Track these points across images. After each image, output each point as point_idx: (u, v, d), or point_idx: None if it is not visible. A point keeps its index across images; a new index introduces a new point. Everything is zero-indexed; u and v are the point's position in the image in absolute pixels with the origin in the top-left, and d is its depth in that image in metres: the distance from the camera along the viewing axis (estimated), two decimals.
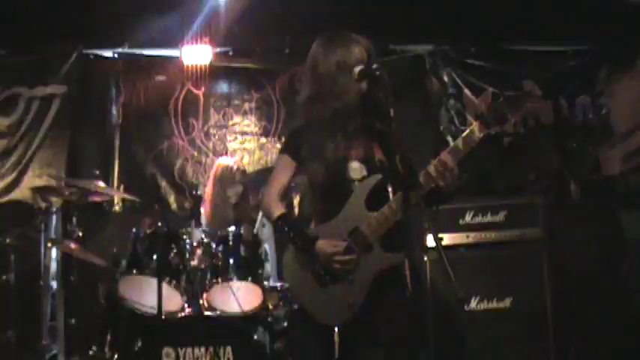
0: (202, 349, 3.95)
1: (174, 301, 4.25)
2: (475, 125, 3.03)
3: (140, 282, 4.30)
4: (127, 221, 5.43)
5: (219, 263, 4.36)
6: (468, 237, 4.76)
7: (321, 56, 3.14)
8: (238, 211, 4.95)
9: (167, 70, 6.05)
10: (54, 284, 5.34)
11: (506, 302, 4.66)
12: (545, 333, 4.58)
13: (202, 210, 5.03)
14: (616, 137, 5.42)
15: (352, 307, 2.99)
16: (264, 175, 3.51)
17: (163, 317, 3.95)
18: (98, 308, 4.51)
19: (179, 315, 4.23)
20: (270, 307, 4.39)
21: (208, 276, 4.33)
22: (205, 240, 4.40)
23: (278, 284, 4.49)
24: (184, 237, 4.41)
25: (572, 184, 5.48)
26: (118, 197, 5.81)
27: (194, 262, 4.35)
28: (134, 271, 4.34)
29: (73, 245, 4.64)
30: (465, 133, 3.03)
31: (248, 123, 6.13)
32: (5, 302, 4.91)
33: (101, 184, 4.99)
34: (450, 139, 5.91)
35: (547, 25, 5.78)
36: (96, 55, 6.02)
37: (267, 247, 4.70)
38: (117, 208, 5.83)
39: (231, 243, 4.41)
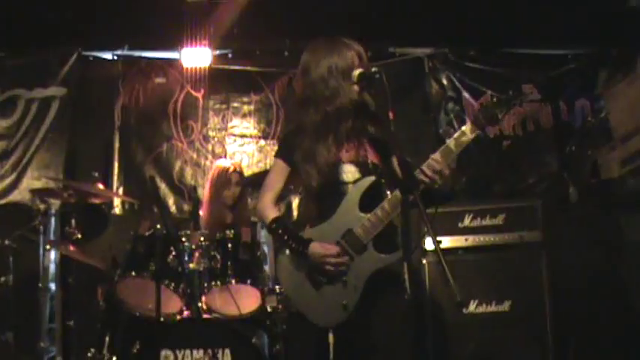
0: (201, 352, 3.95)
1: (172, 303, 4.25)
2: (467, 126, 3.05)
3: (139, 284, 4.30)
4: (125, 223, 5.44)
5: (218, 266, 4.36)
6: (466, 240, 4.76)
7: (312, 61, 3.19)
8: (235, 213, 4.95)
9: (166, 73, 6.06)
10: (52, 286, 5.34)
11: (505, 305, 4.66)
12: (544, 336, 4.57)
13: (201, 212, 5.02)
14: (615, 140, 5.42)
15: (346, 308, 3.02)
16: (262, 177, 3.52)
17: (162, 320, 3.94)
18: (97, 310, 4.50)
19: (178, 317, 4.22)
20: (269, 309, 4.38)
21: (207, 278, 4.32)
22: (204, 242, 4.40)
23: (277, 287, 4.49)
24: (183, 239, 4.41)
25: (571, 187, 5.48)
26: (117, 199, 5.80)
27: (193, 265, 4.34)
28: (133, 274, 4.34)
29: (71, 247, 4.64)
30: (456, 134, 3.07)
31: (247, 125, 6.13)
32: (4, 304, 4.91)
33: (100, 186, 5.00)
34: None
35: (546, 28, 5.79)
36: (95, 57, 6.03)
37: (266, 249, 4.70)
38: (116, 210, 5.83)
39: (229, 246, 4.41)
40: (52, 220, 5.47)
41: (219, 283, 4.31)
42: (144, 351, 3.98)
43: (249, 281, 4.36)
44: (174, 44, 5.87)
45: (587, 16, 5.58)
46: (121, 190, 5.85)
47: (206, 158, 6.01)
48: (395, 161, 3.08)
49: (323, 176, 3.10)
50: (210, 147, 6.06)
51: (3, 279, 4.87)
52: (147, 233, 4.44)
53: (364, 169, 3.13)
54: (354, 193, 3.09)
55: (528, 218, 4.76)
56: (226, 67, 6.11)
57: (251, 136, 6.12)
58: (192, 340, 3.97)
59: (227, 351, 3.96)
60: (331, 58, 3.15)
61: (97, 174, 5.32)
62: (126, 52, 6.00)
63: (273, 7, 5.40)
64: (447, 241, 4.73)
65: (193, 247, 4.40)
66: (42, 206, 5.45)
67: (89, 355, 4.37)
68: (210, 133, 6.08)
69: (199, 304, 4.23)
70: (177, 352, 3.93)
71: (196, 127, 6.07)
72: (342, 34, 3.32)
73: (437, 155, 3.03)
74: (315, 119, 3.15)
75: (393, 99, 2.97)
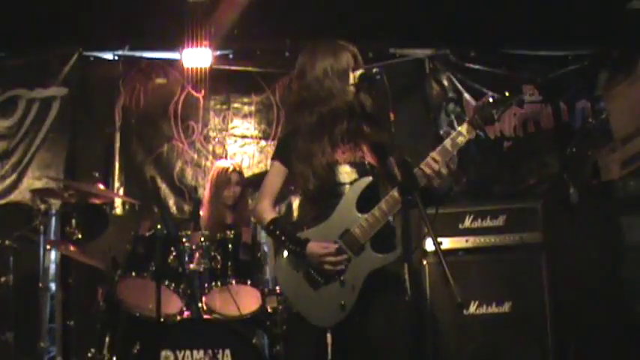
0: (201, 352, 3.95)
1: (173, 303, 4.26)
2: (463, 126, 3.07)
3: (139, 285, 4.30)
4: (126, 224, 5.44)
5: (219, 266, 4.36)
6: (467, 241, 4.76)
7: (308, 64, 3.23)
8: (236, 214, 4.95)
9: (167, 73, 6.05)
10: (53, 286, 5.35)
11: (506, 307, 4.66)
12: (544, 337, 4.57)
13: (201, 213, 5.02)
14: (616, 141, 5.42)
15: (344, 308, 3.03)
16: (263, 178, 3.53)
17: (162, 320, 3.95)
18: (97, 310, 4.51)
19: (178, 318, 4.23)
20: (269, 310, 4.39)
21: (207, 279, 4.33)
22: (204, 243, 4.40)
23: (277, 287, 4.49)
24: (183, 240, 4.42)
25: (571, 189, 5.48)
26: (117, 200, 5.80)
27: (193, 265, 4.35)
28: (133, 274, 4.34)
29: (72, 247, 4.64)
30: (453, 134, 3.09)
31: (248, 126, 6.12)
32: (4, 304, 4.91)
33: (100, 186, 5.00)
34: None
35: (547, 29, 5.79)
36: (96, 58, 6.02)
37: (267, 250, 4.70)
38: (117, 210, 5.83)
39: (230, 246, 4.41)
40: (53, 220, 5.47)
41: (219, 283, 4.31)
42: (144, 351, 3.98)
43: (249, 282, 4.36)
44: (175, 45, 5.87)
45: (587, 17, 5.58)
46: (121, 191, 5.84)
47: (207, 159, 6.01)
48: (393, 162, 3.09)
49: (319, 178, 3.12)
50: (210, 147, 6.06)
51: (3, 279, 4.87)
52: (147, 233, 4.44)
53: (361, 170, 3.15)
54: (352, 193, 3.11)
55: (529, 219, 4.76)
56: (227, 67, 6.10)
57: (252, 137, 6.12)
58: (192, 340, 3.97)
59: (227, 351, 3.95)
60: (327, 60, 3.18)
61: (97, 174, 5.33)
62: (127, 53, 6.00)
63: (274, 7, 5.40)
64: (448, 242, 4.73)
65: (194, 247, 4.40)
66: (42, 206, 5.45)
67: (89, 355, 4.38)
68: (211, 134, 6.08)
69: (199, 305, 4.23)
70: (178, 352, 3.93)
71: (197, 128, 6.06)
72: (343, 34, 3.33)
73: (434, 155, 3.05)
74: (310, 121, 3.17)
75: (394, 100, 2.99)
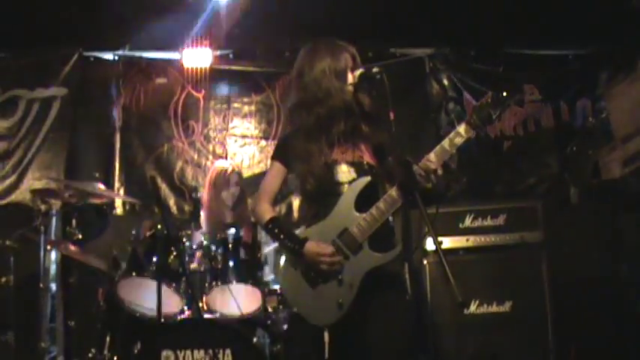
0: (202, 352, 3.95)
1: (173, 303, 4.25)
2: (461, 126, 3.07)
3: (140, 284, 4.30)
4: (126, 224, 5.43)
5: (219, 266, 4.36)
6: (467, 240, 4.76)
7: (306, 64, 3.24)
8: (235, 214, 4.94)
9: (167, 73, 6.06)
10: (53, 286, 5.35)
11: (506, 306, 4.66)
12: (544, 337, 4.57)
13: (202, 213, 5.02)
14: (616, 141, 5.42)
15: (342, 307, 3.03)
16: (263, 178, 3.54)
17: (163, 320, 3.95)
18: (97, 310, 4.50)
19: (178, 317, 4.23)
20: (270, 309, 4.38)
21: (208, 279, 4.33)
22: (205, 243, 4.40)
23: (277, 287, 4.49)
24: (184, 240, 4.42)
25: (572, 188, 5.48)
26: (118, 200, 5.81)
27: (194, 265, 4.35)
28: (134, 274, 4.34)
29: (72, 247, 4.64)
30: (451, 134, 3.10)
31: (248, 126, 6.13)
32: (5, 304, 4.91)
33: (101, 186, 5.00)
34: None
35: (547, 28, 5.78)
36: (96, 58, 6.03)
37: (267, 250, 4.70)
38: (118, 210, 5.83)
39: (230, 246, 4.41)
40: (53, 220, 5.47)
41: (219, 283, 4.31)
42: (145, 351, 3.98)
43: (249, 281, 4.36)
44: (175, 44, 5.87)
45: (588, 16, 5.58)
46: (121, 191, 5.85)
47: (207, 158, 6.01)
48: (393, 161, 3.09)
49: (317, 177, 3.13)
50: (211, 147, 6.06)
51: (4, 279, 4.88)
52: (148, 233, 4.44)
53: (360, 170, 3.15)
54: (350, 193, 3.11)
55: (529, 219, 4.76)
56: (227, 67, 6.11)
57: (252, 137, 6.12)
58: (193, 340, 3.97)
59: (228, 351, 3.95)
60: (325, 60, 3.18)
61: (97, 174, 5.33)
62: (127, 53, 6.01)
63: (274, 7, 5.40)
64: (448, 242, 4.73)
65: (194, 247, 4.41)
66: (43, 206, 5.45)
67: (90, 355, 4.37)
68: (211, 134, 6.08)
69: (200, 305, 4.23)
70: (178, 352, 3.93)
71: (197, 128, 6.07)
72: (343, 34, 3.33)
73: (431, 155, 3.06)
74: (308, 121, 3.18)
75: (394, 99, 2.99)
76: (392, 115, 2.94)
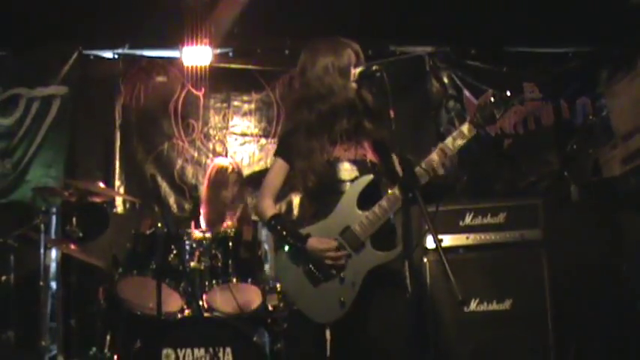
0: (202, 350, 3.95)
1: (173, 302, 4.26)
2: (465, 126, 3.07)
3: (140, 283, 4.30)
4: (126, 222, 5.44)
5: (219, 264, 4.36)
6: (467, 238, 4.75)
7: (309, 61, 3.23)
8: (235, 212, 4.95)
9: (167, 71, 6.06)
10: (53, 285, 5.34)
11: (506, 304, 4.65)
12: (545, 334, 4.57)
13: (202, 211, 5.02)
14: (616, 139, 5.42)
15: (344, 305, 3.03)
16: (263, 176, 3.53)
17: (163, 318, 3.95)
18: (98, 309, 4.51)
19: (179, 316, 4.23)
20: (270, 308, 4.39)
21: (208, 277, 4.33)
22: (205, 241, 4.40)
23: (277, 285, 4.49)
24: (184, 238, 4.41)
25: (572, 186, 5.48)
26: (118, 198, 5.81)
27: (194, 263, 4.35)
28: (134, 272, 4.34)
29: (72, 246, 4.64)
30: (454, 133, 3.09)
31: (248, 124, 6.12)
32: (5, 303, 4.91)
33: (101, 184, 5.00)
34: None
35: (547, 26, 5.78)
36: (96, 56, 6.02)
37: (267, 248, 4.70)
38: (118, 209, 5.83)
39: (230, 244, 4.41)
40: (53, 218, 5.46)
41: (220, 281, 4.31)
42: (145, 350, 3.98)
43: (250, 280, 4.36)
44: (174, 43, 5.87)
45: (588, 14, 5.58)
46: (121, 189, 5.85)
47: (207, 157, 6.01)
48: (395, 159, 3.09)
49: (318, 175, 3.13)
50: (211, 146, 6.06)
51: (4, 278, 4.88)
52: (148, 232, 4.44)
53: (362, 168, 3.15)
54: (352, 191, 3.11)
55: (529, 217, 4.75)
56: (227, 65, 6.10)
57: (252, 135, 6.12)
58: (193, 338, 3.97)
59: (228, 349, 3.96)
60: (328, 57, 3.18)
61: (98, 173, 5.33)
62: (127, 51, 6.00)
63: (274, 5, 5.39)
64: (448, 240, 4.72)
65: (194, 245, 4.40)
66: (43, 205, 5.44)
67: (90, 353, 4.39)
68: (211, 132, 6.08)
69: (200, 303, 4.23)
70: (179, 350, 3.93)
71: (197, 126, 6.06)
72: (343, 32, 3.33)
73: (434, 155, 3.04)
74: (309, 118, 3.18)
75: (394, 97, 2.98)
76: (392, 113, 2.94)
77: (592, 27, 5.75)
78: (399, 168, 3.01)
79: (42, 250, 5.11)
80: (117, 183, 5.88)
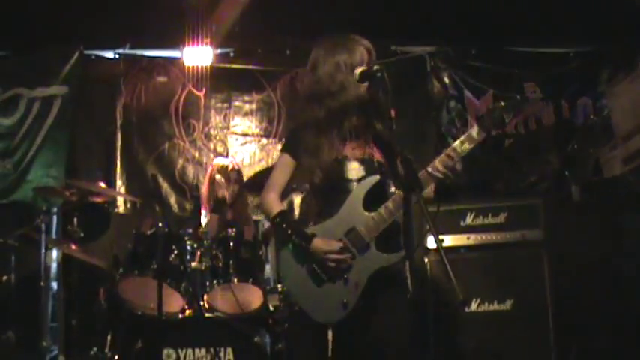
0: (203, 350, 3.95)
1: (174, 302, 4.26)
2: (474, 129, 3.06)
3: (141, 283, 4.30)
4: (127, 222, 5.44)
5: (220, 264, 4.36)
6: (468, 238, 4.75)
7: (321, 57, 3.18)
8: (235, 212, 4.94)
9: (168, 71, 6.06)
10: (54, 285, 5.35)
11: (507, 304, 4.65)
12: (546, 334, 4.57)
13: (203, 211, 5.02)
14: (617, 139, 5.41)
15: (347, 306, 3.02)
16: (264, 176, 3.51)
17: (164, 318, 3.95)
18: (99, 309, 4.51)
19: (180, 316, 4.23)
20: (271, 308, 4.39)
21: (209, 277, 4.33)
22: (206, 241, 4.40)
23: (278, 285, 4.49)
24: (185, 238, 4.41)
25: (572, 186, 5.47)
26: (119, 198, 5.81)
27: (195, 263, 4.35)
28: (135, 272, 4.35)
29: (73, 246, 4.64)
30: (463, 137, 3.07)
31: (249, 124, 6.13)
32: (6, 303, 4.91)
33: (102, 185, 5.00)
34: (450, 140, 5.90)
35: (548, 26, 5.78)
36: (97, 56, 6.03)
37: (267, 248, 4.70)
38: (119, 209, 5.83)
39: (231, 244, 4.41)
40: (54, 218, 5.48)
41: (221, 281, 4.31)
42: (146, 349, 3.98)
43: (250, 280, 4.36)
44: (176, 43, 5.87)
45: (588, 14, 5.58)
46: (122, 189, 5.85)
47: (208, 157, 6.01)
48: (398, 160, 3.07)
49: (326, 173, 3.10)
50: (211, 146, 6.06)
51: (5, 278, 4.88)
52: (149, 232, 4.44)
53: (369, 167, 3.13)
54: (359, 191, 3.09)
55: (530, 217, 4.75)
56: (228, 65, 6.11)
57: (253, 135, 6.12)
58: (194, 338, 3.98)
59: (229, 349, 3.96)
60: (340, 54, 3.14)
61: (98, 173, 5.33)
62: (128, 51, 6.01)
63: (275, 5, 5.40)
64: (449, 240, 4.72)
65: (195, 245, 4.40)
66: (44, 205, 5.45)
67: (91, 353, 4.38)
68: (212, 132, 6.09)
69: (201, 303, 4.23)
70: (180, 350, 3.94)
71: (198, 126, 6.07)
72: (344, 32, 3.31)
73: (442, 157, 3.04)
74: (319, 115, 3.14)
75: (395, 97, 2.97)
76: (393, 113, 2.93)
77: (593, 27, 5.75)
78: (400, 168, 3.00)
79: (43, 250, 5.12)
80: (118, 183, 5.89)
